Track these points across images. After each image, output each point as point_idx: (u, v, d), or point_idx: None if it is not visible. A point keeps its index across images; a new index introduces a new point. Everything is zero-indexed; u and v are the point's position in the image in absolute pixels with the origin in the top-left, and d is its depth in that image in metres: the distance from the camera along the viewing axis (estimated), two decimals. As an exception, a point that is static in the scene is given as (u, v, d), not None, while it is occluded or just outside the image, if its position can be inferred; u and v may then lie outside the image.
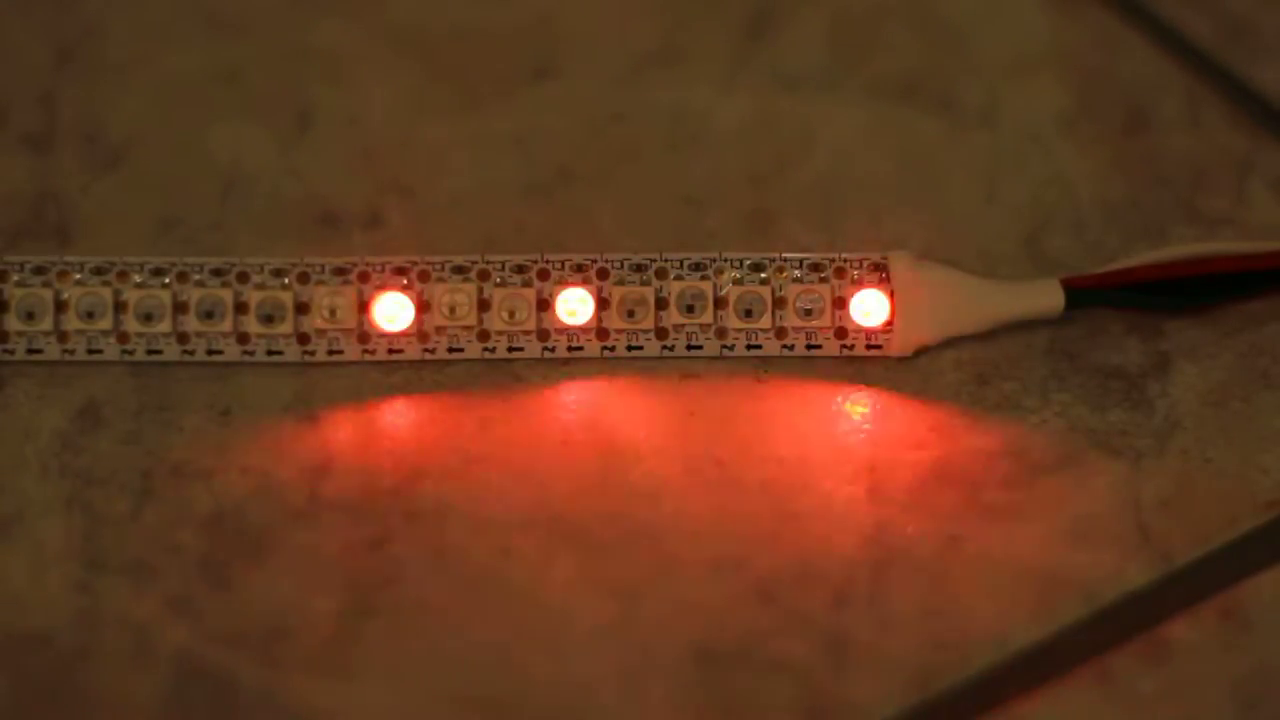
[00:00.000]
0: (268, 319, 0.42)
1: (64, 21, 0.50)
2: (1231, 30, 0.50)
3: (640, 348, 0.42)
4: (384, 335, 0.42)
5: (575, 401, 0.42)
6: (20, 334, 0.42)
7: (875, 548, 0.39)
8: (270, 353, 0.42)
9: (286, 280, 0.42)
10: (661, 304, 0.42)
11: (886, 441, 0.41)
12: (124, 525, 0.40)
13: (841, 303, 0.42)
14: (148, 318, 0.42)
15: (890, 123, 0.48)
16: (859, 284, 0.42)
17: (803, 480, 0.40)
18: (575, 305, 0.42)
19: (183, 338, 0.42)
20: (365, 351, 0.42)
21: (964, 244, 0.45)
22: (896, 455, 0.41)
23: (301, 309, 0.42)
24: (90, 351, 0.42)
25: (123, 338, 0.42)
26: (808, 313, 0.42)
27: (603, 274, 0.42)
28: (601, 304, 0.42)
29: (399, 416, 0.42)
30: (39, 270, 0.42)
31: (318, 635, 0.38)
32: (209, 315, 0.42)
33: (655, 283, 0.42)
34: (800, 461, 0.41)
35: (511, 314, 0.42)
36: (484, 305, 0.42)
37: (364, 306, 0.42)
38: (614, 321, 0.42)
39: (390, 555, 0.39)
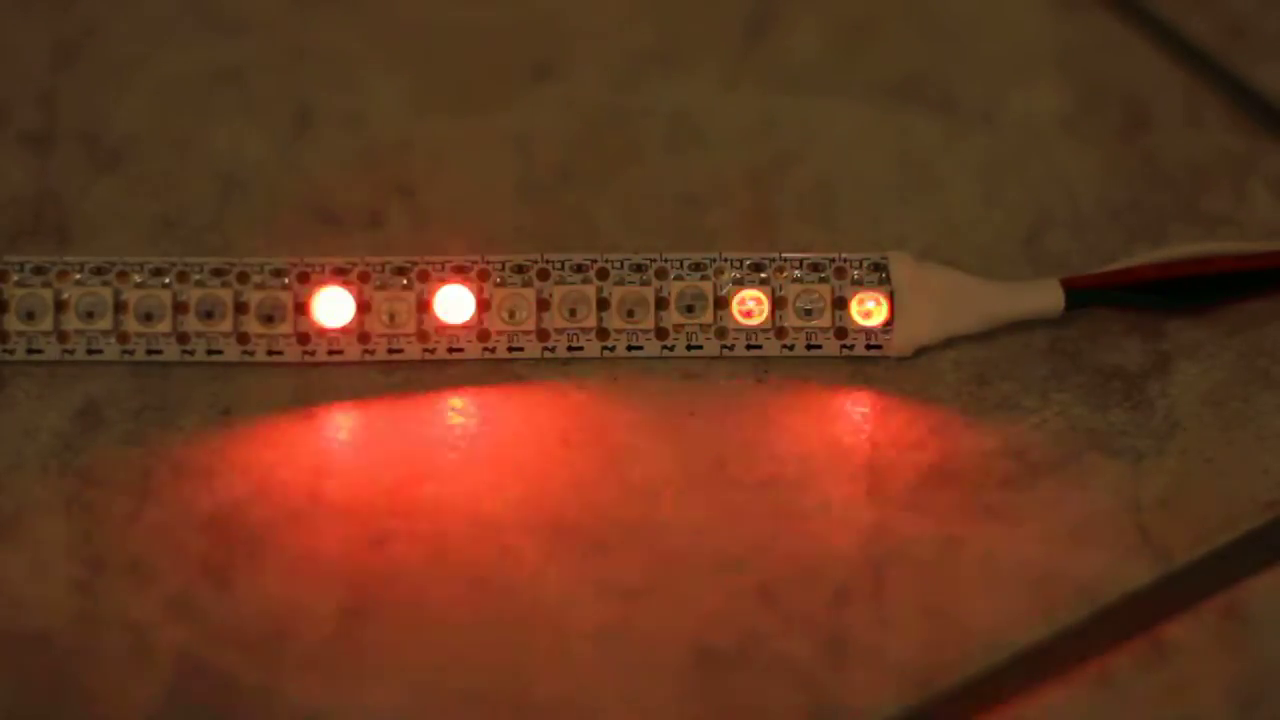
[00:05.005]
0: (268, 319, 0.42)
1: (64, 21, 0.50)
2: (1231, 30, 0.50)
3: (640, 348, 0.42)
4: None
5: (575, 401, 0.42)
6: (20, 334, 0.42)
7: (875, 548, 0.39)
8: (270, 353, 0.42)
9: (286, 280, 0.42)
10: (661, 304, 0.42)
11: (886, 441, 0.41)
12: (124, 525, 0.40)
13: (842, 303, 0.42)
14: (148, 318, 0.42)
15: (890, 123, 0.48)
16: (859, 284, 0.42)
17: (803, 480, 0.40)
18: (575, 305, 0.42)
19: (183, 338, 0.42)
20: (365, 351, 0.42)
21: (964, 244, 0.45)
22: (896, 455, 0.41)
23: (301, 309, 0.42)
24: (90, 351, 0.42)
25: (123, 338, 0.42)
26: (808, 313, 0.42)
27: (603, 274, 0.42)
28: (601, 304, 0.42)
29: (399, 416, 0.42)
30: (39, 270, 0.42)
31: (318, 635, 0.38)
32: (209, 315, 0.42)
33: (655, 283, 0.42)
34: (800, 461, 0.41)
35: (511, 314, 0.42)
36: (484, 305, 0.42)
37: (364, 306, 0.42)
38: (614, 321, 0.42)
39: (390, 555, 0.39)
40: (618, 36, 0.50)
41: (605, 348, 0.42)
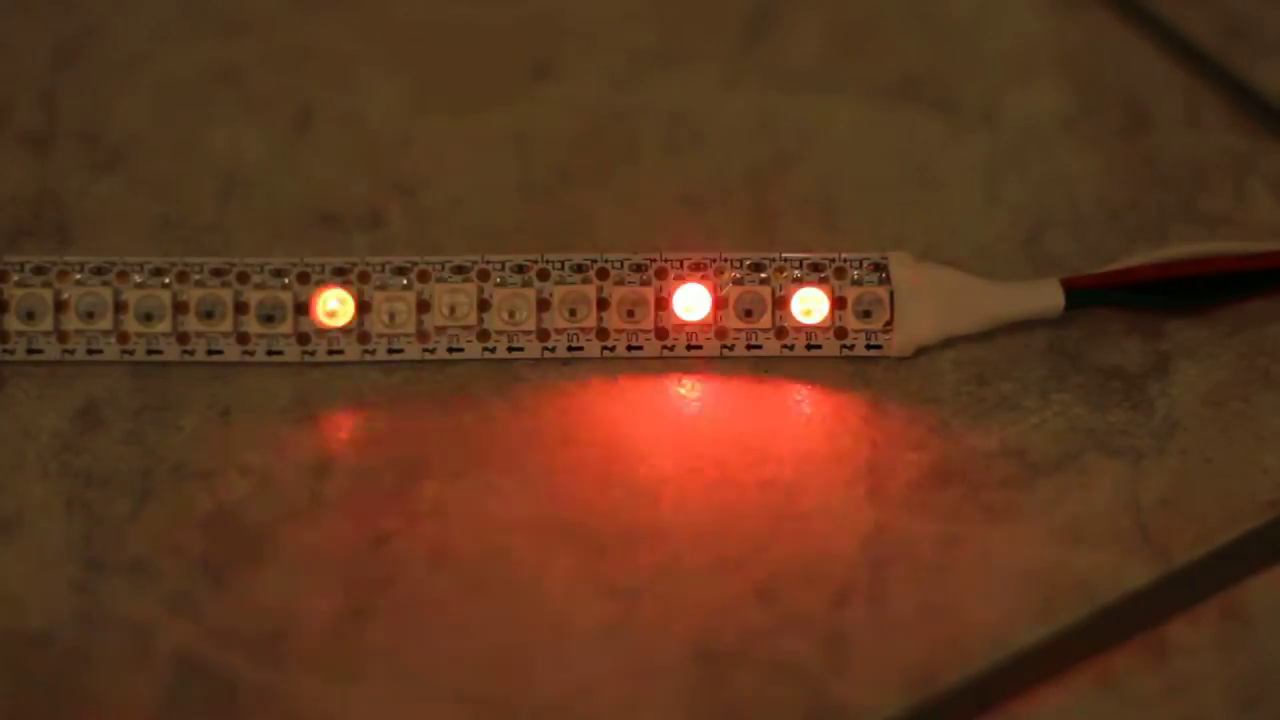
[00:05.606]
0: (268, 319, 0.42)
1: (64, 21, 0.50)
2: (1231, 30, 0.50)
3: (640, 348, 0.42)
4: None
5: (575, 401, 0.42)
6: (20, 334, 0.42)
7: (875, 548, 0.39)
8: (270, 353, 0.42)
9: (286, 280, 0.42)
10: (661, 304, 0.42)
11: (886, 441, 0.41)
12: (124, 525, 0.40)
13: (842, 303, 0.42)
14: (148, 318, 0.42)
15: (890, 123, 0.48)
16: (859, 284, 0.42)
17: (803, 480, 0.40)
18: (575, 305, 0.42)
19: (183, 338, 0.42)
20: (365, 352, 0.42)
21: (964, 244, 0.45)
22: (896, 455, 0.41)
23: (301, 309, 0.42)
24: (90, 351, 0.42)
25: (123, 338, 0.42)
26: (808, 313, 0.42)
27: (603, 274, 0.42)
28: (601, 304, 0.42)
29: (399, 416, 0.42)
30: (39, 270, 0.42)
31: (318, 635, 0.38)
32: (209, 315, 0.42)
33: (654, 283, 0.42)
34: (800, 461, 0.41)
35: (511, 314, 0.42)
36: (484, 305, 0.42)
37: (365, 306, 0.42)
38: (614, 321, 0.42)
39: (390, 555, 0.39)
40: (617, 36, 0.50)
41: (605, 348, 0.42)
